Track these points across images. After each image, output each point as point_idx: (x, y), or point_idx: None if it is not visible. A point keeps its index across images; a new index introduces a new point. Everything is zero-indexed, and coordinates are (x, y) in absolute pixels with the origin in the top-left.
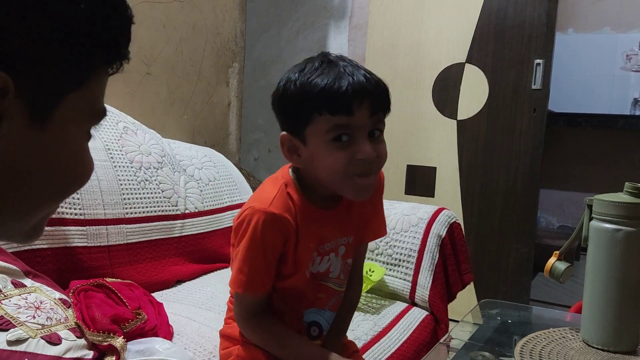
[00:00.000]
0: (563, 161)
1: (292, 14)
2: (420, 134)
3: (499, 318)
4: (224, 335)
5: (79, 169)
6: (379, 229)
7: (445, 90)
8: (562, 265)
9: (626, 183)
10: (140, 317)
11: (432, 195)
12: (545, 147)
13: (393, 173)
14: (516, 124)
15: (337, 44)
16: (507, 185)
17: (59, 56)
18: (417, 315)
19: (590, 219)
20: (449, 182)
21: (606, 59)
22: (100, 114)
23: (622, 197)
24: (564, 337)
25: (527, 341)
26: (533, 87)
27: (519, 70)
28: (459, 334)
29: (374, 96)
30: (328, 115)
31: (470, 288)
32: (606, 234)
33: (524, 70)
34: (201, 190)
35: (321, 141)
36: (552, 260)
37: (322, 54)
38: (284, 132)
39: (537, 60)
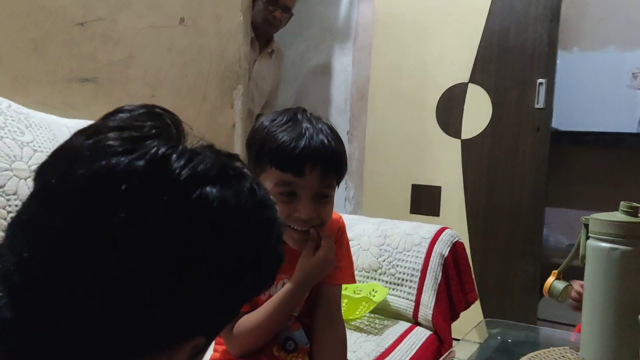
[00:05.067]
0: (570, 180)
1: (297, 36)
2: (424, 154)
3: (499, 337)
4: None
5: None
6: (343, 275)
7: (449, 110)
8: (560, 285)
9: (622, 202)
10: None
11: (437, 215)
12: (552, 166)
13: (398, 193)
14: (520, 143)
15: (342, 66)
16: (512, 205)
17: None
18: (420, 335)
19: (588, 237)
20: (454, 201)
21: (612, 77)
22: None
23: (617, 216)
24: (563, 357)
25: None
26: (536, 106)
27: (521, 90)
28: (460, 352)
29: (326, 163)
30: (278, 171)
31: (477, 308)
32: (603, 252)
33: (526, 90)
34: None
35: (269, 190)
36: (550, 279)
37: (297, 109)
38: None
39: (540, 80)
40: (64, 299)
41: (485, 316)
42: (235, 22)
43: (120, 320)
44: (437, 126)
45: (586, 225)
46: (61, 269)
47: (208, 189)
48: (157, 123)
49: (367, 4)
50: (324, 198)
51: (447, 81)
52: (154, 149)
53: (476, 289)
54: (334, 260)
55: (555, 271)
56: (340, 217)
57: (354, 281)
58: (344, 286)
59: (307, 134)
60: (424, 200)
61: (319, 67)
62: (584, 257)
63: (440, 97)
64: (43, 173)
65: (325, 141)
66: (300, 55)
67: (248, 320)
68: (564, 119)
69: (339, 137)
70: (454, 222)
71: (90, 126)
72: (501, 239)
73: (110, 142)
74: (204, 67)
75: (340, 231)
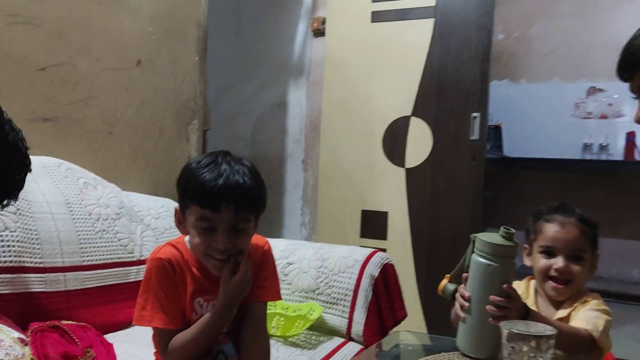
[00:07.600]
0: (519, 203)
1: (255, 72)
2: (373, 181)
3: (400, 346)
4: None
5: None
6: (267, 293)
7: (394, 141)
8: (451, 286)
9: (502, 227)
10: (89, 354)
11: (385, 239)
12: (502, 190)
13: (349, 218)
14: (457, 172)
15: (297, 99)
16: (453, 229)
17: None
18: (351, 349)
19: (473, 251)
20: (399, 226)
21: (557, 107)
22: None
23: (494, 237)
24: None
25: None
26: (471, 137)
27: (458, 123)
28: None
29: (240, 200)
30: (198, 207)
31: (422, 324)
32: (480, 267)
33: (463, 123)
34: (157, 239)
35: (192, 224)
36: (444, 281)
37: (220, 152)
38: (176, 206)
39: (474, 114)
40: None
41: (429, 331)
42: (190, 63)
43: None
44: (383, 156)
45: (474, 241)
46: None
47: None
48: None
49: (319, 42)
50: (241, 230)
51: (392, 114)
52: None
53: (405, 307)
54: (251, 280)
55: (448, 275)
56: (267, 241)
57: (279, 298)
58: (284, 305)
59: (224, 174)
60: (373, 225)
61: (275, 101)
62: (467, 267)
63: (386, 129)
64: None
65: (241, 181)
66: (258, 89)
67: (181, 337)
68: (513, 147)
69: (258, 177)
70: (400, 245)
71: None
72: (443, 262)
73: None
74: (160, 104)
75: (265, 255)
